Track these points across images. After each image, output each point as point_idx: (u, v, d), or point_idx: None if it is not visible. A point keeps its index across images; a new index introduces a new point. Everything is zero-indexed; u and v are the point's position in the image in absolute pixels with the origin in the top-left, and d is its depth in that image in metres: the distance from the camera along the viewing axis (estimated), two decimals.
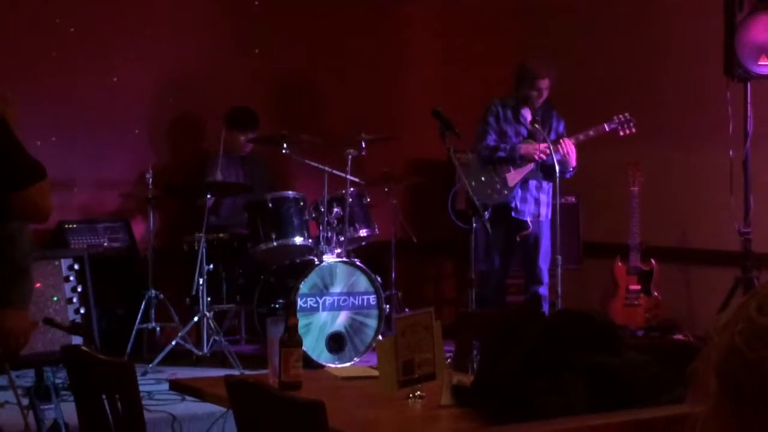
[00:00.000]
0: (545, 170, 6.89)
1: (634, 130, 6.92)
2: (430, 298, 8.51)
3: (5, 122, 3.21)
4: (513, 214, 6.89)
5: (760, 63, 6.61)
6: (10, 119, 3.28)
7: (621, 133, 6.93)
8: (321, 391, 3.29)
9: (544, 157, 6.76)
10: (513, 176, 6.90)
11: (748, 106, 6.67)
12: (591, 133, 6.85)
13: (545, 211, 6.94)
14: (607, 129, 6.89)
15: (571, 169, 6.80)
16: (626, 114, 6.92)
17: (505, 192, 6.89)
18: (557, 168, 6.56)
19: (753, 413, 1.25)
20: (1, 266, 3.19)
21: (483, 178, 6.91)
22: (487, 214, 6.36)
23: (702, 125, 7.37)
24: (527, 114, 6.93)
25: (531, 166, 6.89)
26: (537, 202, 6.94)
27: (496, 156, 6.88)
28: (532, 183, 6.94)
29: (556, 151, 6.71)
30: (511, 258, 7.02)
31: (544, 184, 6.96)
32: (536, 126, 6.80)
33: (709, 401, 1.28)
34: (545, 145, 6.74)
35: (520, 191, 6.91)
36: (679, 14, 7.57)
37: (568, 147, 6.75)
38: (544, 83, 6.84)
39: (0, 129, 3.18)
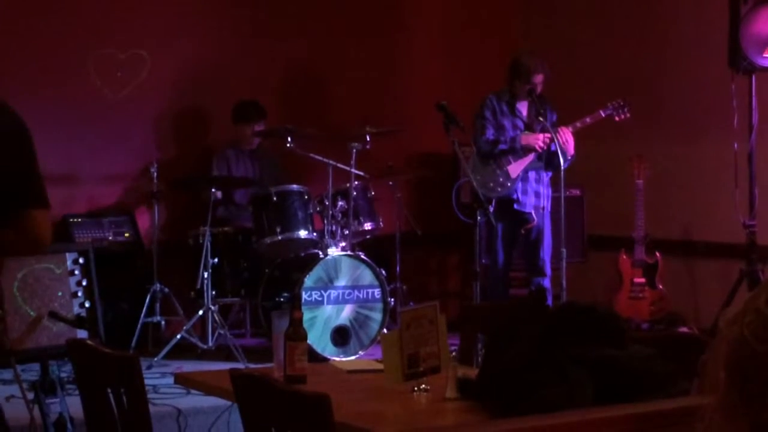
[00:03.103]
0: (546, 160, 6.89)
1: (628, 114, 6.91)
2: (435, 291, 8.51)
3: (31, 140, 3.06)
4: (515, 206, 6.89)
5: (764, 55, 6.61)
6: None
7: (616, 119, 6.92)
8: (326, 384, 3.30)
9: (544, 146, 6.76)
10: (514, 168, 6.91)
11: (753, 98, 6.67)
12: (588, 120, 6.85)
13: (545, 204, 6.94)
14: (603, 115, 6.89)
15: (569, 158, 6.79)
16: (620, 100, 6.92)
17: (509, 184, 6.90)
18: (560, 157, 6.56)
19: (761, 405, 1.25)
20: None
21: (485, 173, 6.91)
22: (491, 208, 6.36)
23: (707, 118, 7.36)
24: (522, 107, 6.95)
25: (531, 156, 6.90)
26: (537, 194, 6.95)
27: (497, 149, 6.89)
28: (531, 175, 6.94)
29: (554, 140, 6.71)
30: (513, 251, 7.03)
31: (543, 176, 6.96)
32: (540, 119, 6.79)
33: (717, 393, 1.28)
34: (544, 134, 6.74)
35: (520, 184, 6.92)
36: (683, 7, 7.56)
37: (566, 135, 6.75)
38: (539, 78, 6.85)
39: (27, 145, 3.04)
